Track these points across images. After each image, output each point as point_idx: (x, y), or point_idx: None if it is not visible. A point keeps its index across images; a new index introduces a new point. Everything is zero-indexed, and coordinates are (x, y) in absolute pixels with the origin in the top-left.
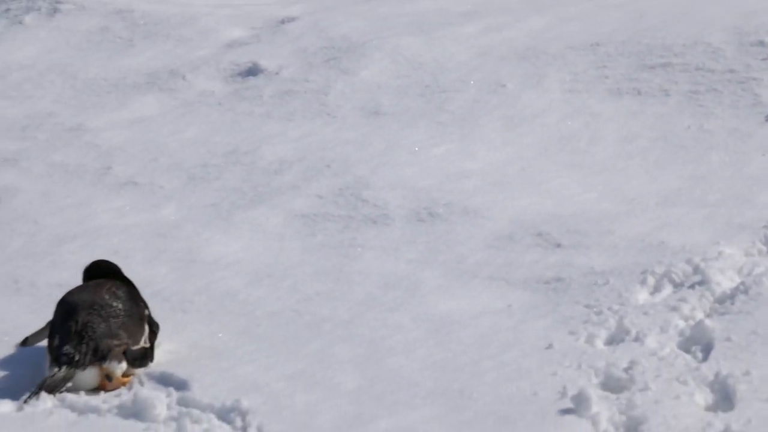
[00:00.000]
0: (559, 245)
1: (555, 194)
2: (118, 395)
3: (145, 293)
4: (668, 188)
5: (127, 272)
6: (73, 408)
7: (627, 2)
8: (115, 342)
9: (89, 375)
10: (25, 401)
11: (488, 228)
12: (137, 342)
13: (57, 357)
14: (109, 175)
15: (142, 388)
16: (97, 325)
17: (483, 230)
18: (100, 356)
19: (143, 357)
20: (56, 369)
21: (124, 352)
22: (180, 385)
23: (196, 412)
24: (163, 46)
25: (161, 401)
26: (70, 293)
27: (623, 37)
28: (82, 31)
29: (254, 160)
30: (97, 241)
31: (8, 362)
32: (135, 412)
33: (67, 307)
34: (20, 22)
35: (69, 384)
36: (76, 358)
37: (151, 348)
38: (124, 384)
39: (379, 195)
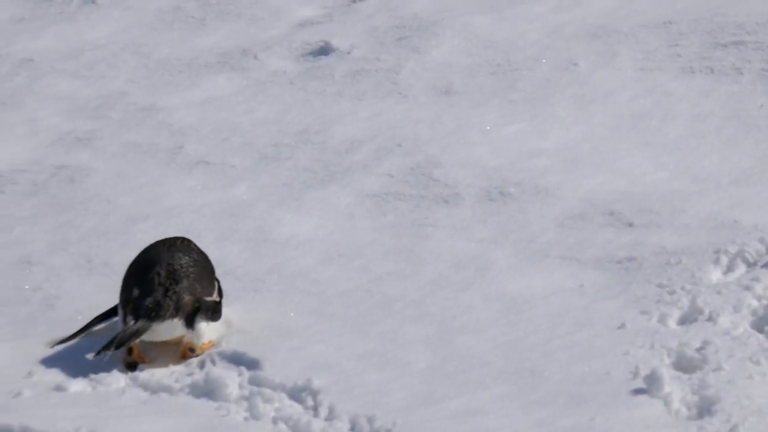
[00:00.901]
0: (631, 224)
1: (627, 173)
2: (191, 374)
3: (218, 272)
4: (741, 167)
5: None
6: (145, 387)
7: None
8: (194, 295)
9: (167, 327)
10: (98, 353)
11: (559, 207)
12: (210, 295)
13: (136, 308)
14: (182, 155)
15: (214, 367)
16: (179, 277)
17: (554, 209)
18: (183, 310)
19: (215, 310)
20: (132, 321)
21: (198, 302)
22: (251, 365)
23: (267, 391)
24: (235, 26)
25: (233, 380)
26: (144, 251)
27: (695, 15)
28: (155, 11)
29: (325, 140)
30: (170, 220)
31: (81, 342)
32: (207, 391)
33: (145, 261)
34: (93, 2)
35: (142, 337)
36: (159, 310)
37: (221, 303)
38: (205, 349)
39: (450, 174)
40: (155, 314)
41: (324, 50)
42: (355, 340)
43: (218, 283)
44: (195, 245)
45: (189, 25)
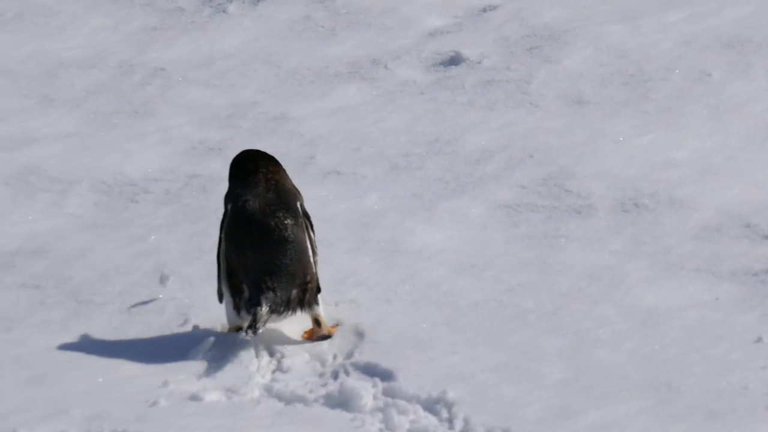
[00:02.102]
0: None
1: (763, 184)
2: (325, 385)
3: (349, 282)
4: None
5: (331, 262)
6: (280, 397)
7: None
8: (313, 282)
9: (297, 316)
10: (246, 332)
11: (695, 219)
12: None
13: (251, 298)
14: (313, 165)
15: (348, 378)
16: (308, 268)
17: (689, 221)
18: (306, 302)
19: (319, 289)
20: (259, 308)
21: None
22: (385, 376)
23: (402, 402)
24: (365, 35)
25: (367, 391)
26: (262, 207)
27: None
28: (285, 20)
29: (456, 150)
30: None
31: (217, 349)
32: (341, 402)
33: (255, 243)
34: (224, 11)
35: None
36: (285, 304)
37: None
38: (331, 333)
39: (583, 185)
40: (284, 307)
41: (454, 60)
42: (488, 351)
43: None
44: (292, 210)
45: (319, 35)
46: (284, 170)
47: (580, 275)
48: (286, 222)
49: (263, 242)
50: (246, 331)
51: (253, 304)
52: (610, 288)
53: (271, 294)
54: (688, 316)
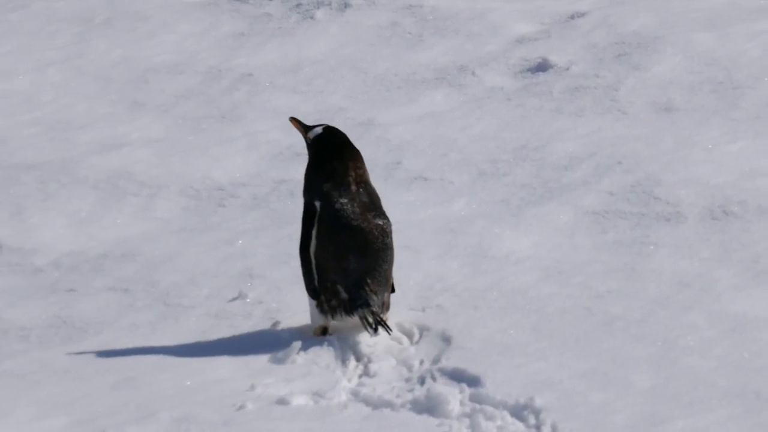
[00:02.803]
0: None
1: None
2: (411, 390)
3: (437, 288)
4: None
5: (419, 267)
6: (367, 402)
7: None
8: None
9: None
10: (375, 329)
11: None
12: None
13: (354, 299)
14: (400, 170)
15: (435, 383)
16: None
17: None
18: (387, 305)
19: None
20: (368, 309)
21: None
22: (472, 382)
23: (489, 408)
24: (453, 42)
25: (454, 397)
26: (360, 211)
27: None
28: (372, 26)
29: (544, 156)
30: None
31: (304, 353)
32: (428, 407)
33: (358, 249)
34: (311, 17)
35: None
36: (380, 306)
37: None
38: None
39: (672, 192)
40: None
41: (542, 66)
42: (576, 358)
43: None
44: (383, 217)
45: (406, 41)
46: (365, 164)
47: (669, 282)
48: (385, 228)
49: (366, 249)
50: (370, 329)
51: (359, 306)
52: (700, 295)
53: (374, 296)
54: None
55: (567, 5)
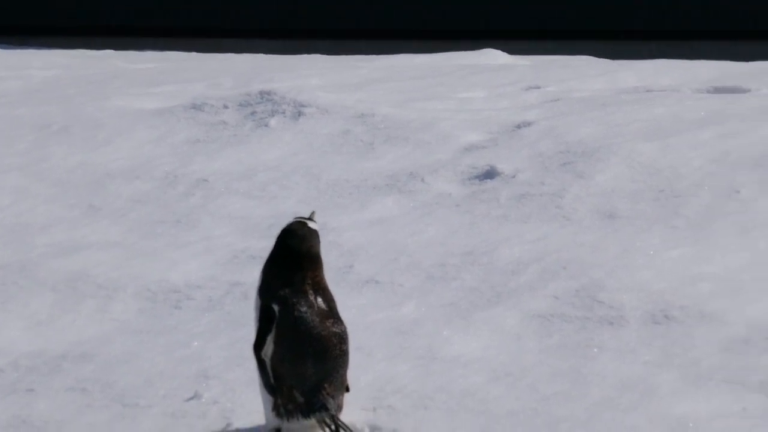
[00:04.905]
0: None
1: None
2: None
3: (388, 389)
4: None
5: (370, 369)
6: None
7: None
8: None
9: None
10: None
11: (724, 332)
12: None
13: (311, 403)
14: (352, 273)
15: None
16: (343, 373)
17: (718, 334)
18: (340, 407)
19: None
20: (327, 412)
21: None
22: None
23: None
24: (403, 150)
25: None
26: (319, 319)
27: None
28: (325, 135)
29: (491, 261)
30: None
31: None
32: None
33: (316, 355)
34: (266, 125)
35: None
36: (332, 412)
37: None
38: None
39: (615, 297)
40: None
41: (489, 174)
42: None
43: None
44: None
45: (358, 149)
46: (323, 268)
47: (612, 385)
48: (342, 336)
49: (325, 356)
50: (328, 431)
51: (317, 409)
52: (642, 398)
53: (331, 400)
54: (716, 426)
55: (514, 115)
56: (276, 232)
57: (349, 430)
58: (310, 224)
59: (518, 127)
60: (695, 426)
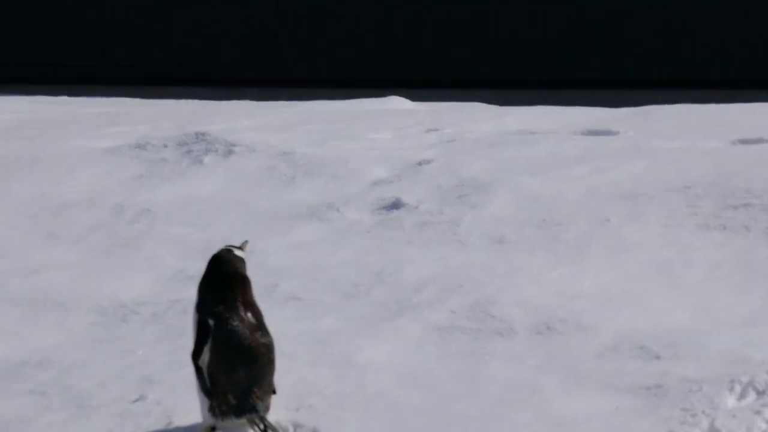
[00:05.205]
0: (658, 357)
1: (653, 312)
2: None
3: (309, 391)
4: (750, 310)
5: (294, 373)
6: None
7: (713, 150)
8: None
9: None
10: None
11: (597, 341)
12: None
13: (243, 405)
14: (277, 291)
15: None
16: (270, 378)
17: (593, 342)
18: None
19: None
20: (257, 413)
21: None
22: None
23: None
24: (320, 183)
25: None
26: (249, 331)
27: (710, 180)
28: (252, 170)
29: (397, 280)
30: None
31: None
32: None
33: (246, 363)
34: (201, 162)
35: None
36: (262, 416)
37: None
38: None
39: (505, 311)
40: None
41: (395, 205)
42: None
43: None
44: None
45: (281, 182)
46: (251, 287)
47: (502, 386)
48: (269, 346)
49: (254, 364)
50: (258, 430)
51: (246, 411)
52: (528, 397)
53: (260, 402)
54: (593, 422)
55: (415, 154)
56: (210, 255)
57: (275, 429)
58: (236, 252)
59: (419, 164)
60: (574, 422)
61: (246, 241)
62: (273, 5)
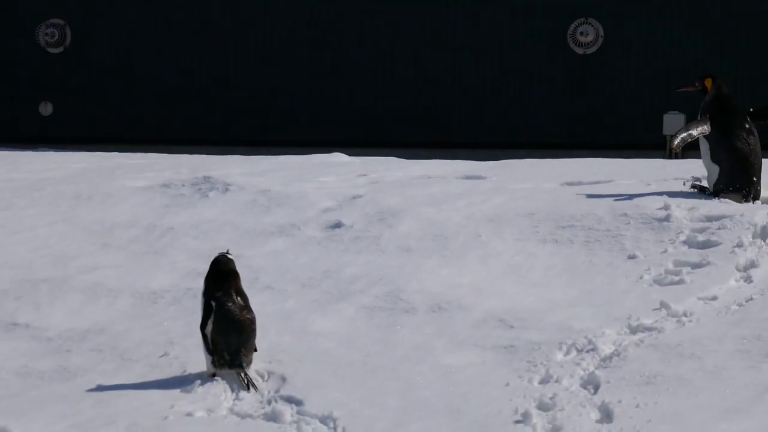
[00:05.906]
0: (512, 327)
1: (509, 298)
2: (263, 408)
3: (278, 350)
4: (572, 296)
5: (268, 339)
6: (238, 414)
7: (549, 189)
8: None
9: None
10: (247, 386)
11: (472, 316)
12: None
13: (234, 360)
14: (257, 283)
15: (277, 404)
16: (253, 342)
17: (469, 317)
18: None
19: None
20: (243, 368)
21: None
22: (298, 403)
23: (307, 418)
24: (287, 211)
25: (288, 412)
26: (239, 310)
27: (547, 209)
28: (241, 201)
29: (339, 276)
30: None
31: (202, 387)
32: (273, 417)
33: (238, 331)
34: (207, 196)
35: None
36: (245, 365)
37: None
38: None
39: (411, 297)
40: (243, 368)
41: (337, 225)
42: (359, 388)
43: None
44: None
45: (261, 210)
46: (239, 278)
47: (408, 347)
48: (253, 320)
49: (242, 331)
50: (243, 384)
51: (236, 365)
52: (425, 355)
53: (245, 359)
54: (468, 371)
55: (351, 191)
56: (212, 258)
57: (253, 383)
58: (229, 255)
59: (354, 198)
60: (456, 371)
61: (228, 249)
62: (266, 95)
